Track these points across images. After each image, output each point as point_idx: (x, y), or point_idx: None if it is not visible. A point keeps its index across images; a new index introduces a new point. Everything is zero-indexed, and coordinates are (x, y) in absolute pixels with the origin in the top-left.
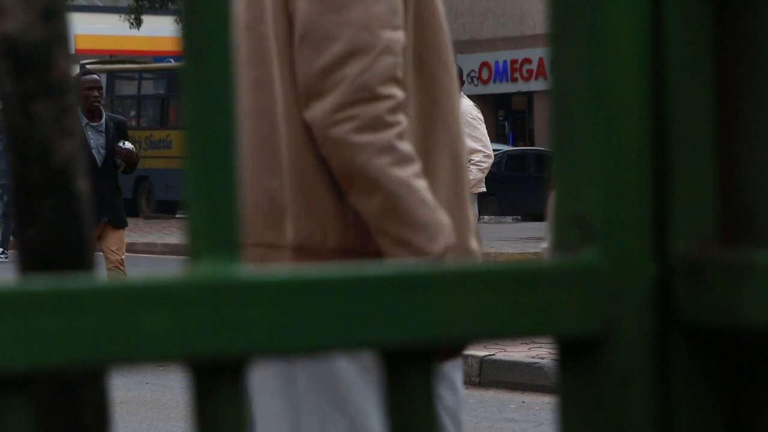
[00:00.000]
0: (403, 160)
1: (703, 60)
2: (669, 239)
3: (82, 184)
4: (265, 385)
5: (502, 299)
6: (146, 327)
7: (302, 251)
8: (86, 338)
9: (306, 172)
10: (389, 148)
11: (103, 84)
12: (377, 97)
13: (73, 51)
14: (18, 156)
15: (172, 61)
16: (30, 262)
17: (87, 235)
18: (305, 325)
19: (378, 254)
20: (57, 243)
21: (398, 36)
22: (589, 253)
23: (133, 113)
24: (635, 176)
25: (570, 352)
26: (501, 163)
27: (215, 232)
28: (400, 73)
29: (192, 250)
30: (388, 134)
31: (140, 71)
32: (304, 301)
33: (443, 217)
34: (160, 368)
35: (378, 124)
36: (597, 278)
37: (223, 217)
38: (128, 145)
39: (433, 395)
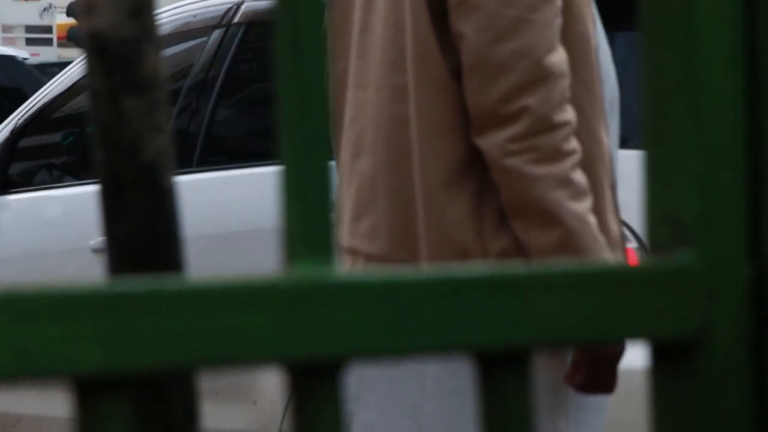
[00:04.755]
0: (579, 193)
1: None
2: (764, 239)
3: (171, 180)
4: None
5: (597, 301)
6: (243, 328)
7: None
8: (183, 339)
9: (437, 193)
10: (567, 181)
11: None
12: (555, 126)
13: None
14: (107, 152)
15: None
16: (119, 258)
17: (177, 231)
18: (400, 327)
19: None
20: (147, 239)
21: (564, 55)
22: (684, 255)
23: None
24: (730, 176)
25: (665, 354)
26: None
27: (311, 234)
28: (569, 93)
29: (288, 252)
30: (565, 165)
31: None
32: (399, 303)
33: (610, 256)
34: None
35: (556, 154)
36: (692, 279)
37: (318, 220)
38: None
39: (528, 398)
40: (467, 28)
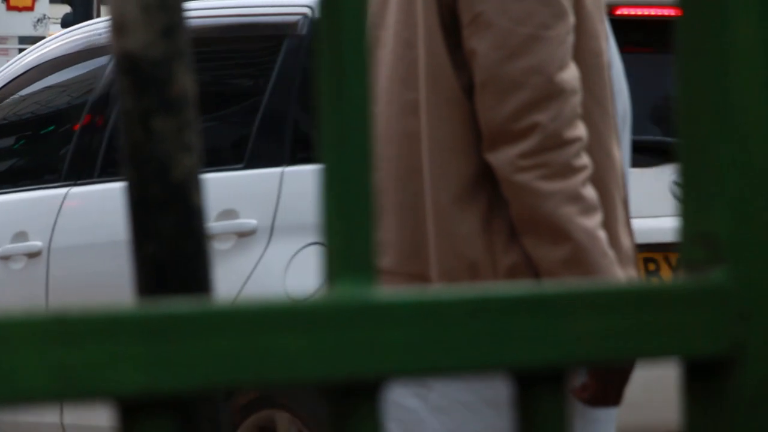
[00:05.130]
0: (589, 208)
1: None
2: None
3: (200, 200)
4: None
5: (631, 320)
6: (284, 349)
7: None
8: (226, 360)
9: (449, 209)
10: (576, 197)
11: None
12: (566, 143)
13: None
14: (137, 171)
15: None
16: (149, 277)
17: (206, 251)
18: (438, 346)
19: None
20: (176, 258)
21: (575, 72)
22: (718, 273)
23: None
24: (764, 195)
25: (698, 373)
26: None
27: (352, 255)
28: (580, 109)
29: (329, 273)
30: (576, 181)
31: None
32: (437, 322)
33: (619, 271)
34: None
35: (566, 170)
36: (726, 298)
37: (359, 241)
38: None
39: (565, 416)
40: (480, 45)
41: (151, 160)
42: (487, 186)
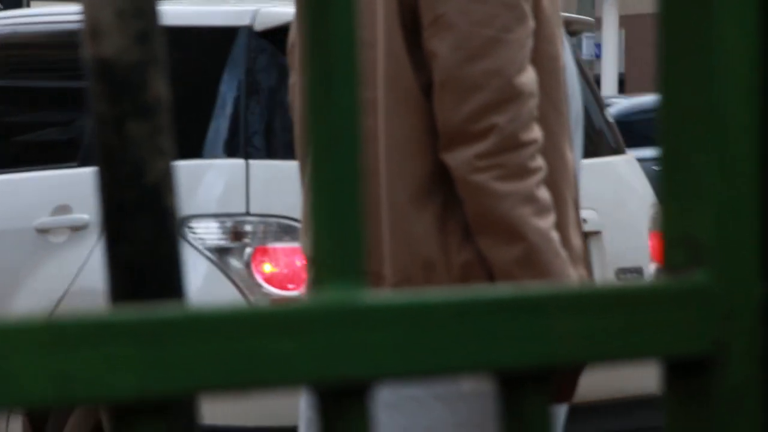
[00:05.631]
0: (543, 209)
1: None
2: None
3: (174, 203)
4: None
5: (614, 320)
6: (274, 353)
7: (401, 289)
8: (215, 364)
9: (404, 208)
10: (531, 198)
11: None
12: (522, 145)
13: None
14: (111, 175)
15: None
16: (122, 279)
17: (178, 252)
18: (426, 348)
19: None
20: (150, 260)
21: (533, 75)
22: (701, 274)
23: None
24: (747, 197)
25: (679, 374)
26: None
27: (340, 258)
28: (536, 112)
29: (317, 276)
30: (531, 182)
31: None
32: (426, 324)
33: (572, 271)
34: None
35: (521, 172)
36: (709, 299)
37: (348, 243)
38: None
39: (549, 417)
40: (441, 46)
41: (126, 164)
42: (442, 186)
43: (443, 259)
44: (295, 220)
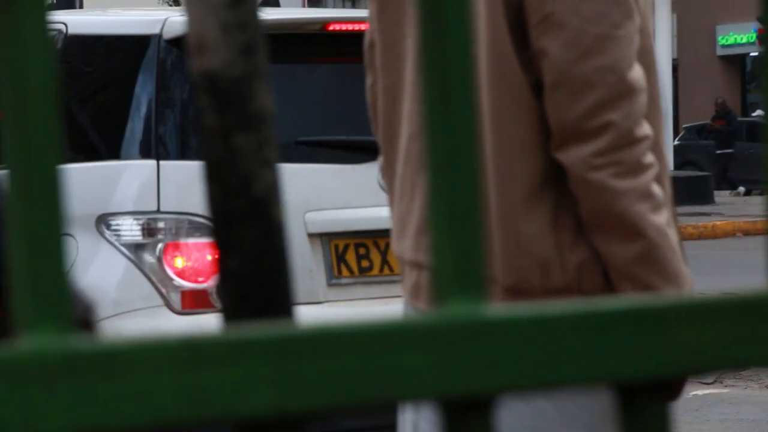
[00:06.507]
0: (658, 205)
1: None
2: None
3: (281, 214)
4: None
5: (728, 330)
6: (402, 367)
7: (515, 291)
8: (346, 380)
9: (517, 209)
10: (647, 194)
11: None
12: (636, 141)
13: None
14: (219, 187)
15: None
16: (233, 292)
17: (287, 264)
18: (549, 361)
19: (592, 295)
20: (259, 272)
21: (641, 71)
22: None
23: None
24: None
25: None
26: None
27: (463, 272)
28: (645, 108)
29: (439, 290)
30: (646, 178)
31: None
32: (548, 337)
33: (686, 268)
34: None
35: (637, 168)
36: None
37: (469, 257)
38: None
39: (668, 426)
40: (551, 44)
41: (233, 176)
42: (552, 185)
43: (558, 259)
44: (205, 217)
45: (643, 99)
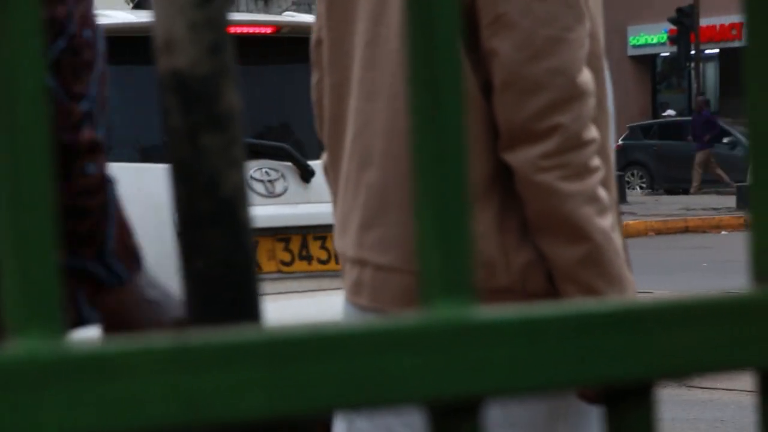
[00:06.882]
0: (604, 209)
1: None
2: None
3: (247, 215)
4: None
5: (712, 332)
6: (392, 371)
7: None
8: (339, 383)
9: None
10: (593, 197)
11: None
12: (584, 144)
13: None
14: (185, 188)
15: None
16: (198, 292)
17: (253, 265)
18: (537, 364)
19: (536, 296)
20: (226, 273)
21: (589, 74)
22: None
23: None
24: None
25: None
26: None
27: (450, 274)
28: (593, 112)
29: (426, 293)
30: (592, 182)
31: None
32: (536, 339)
33: (629, 272)
34: None
35: (584, 171)
36: None
37: (457, 260)
38: None
39: (654, 428)
40: (502, 45)
41: (200, 176)
42: (498, 186)
43: (503, 260)
44: None
45: (591, 102)
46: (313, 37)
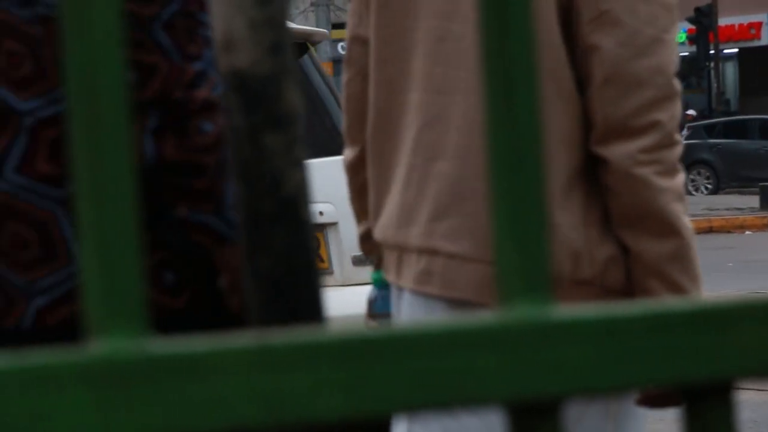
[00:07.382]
0: (686, 210)
1: None
2: None
3: (309, 214)
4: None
5: None
6: (471, 370)
7: None
8: (418, 383)
9: (553, 200)
10: (681, 196)
11: None
12: (675, 143)
13: None
14: (248, 188)
15: None
16: (262, 291)
17: (315, 264)
18: (616, 363)
19: (613, 291)
20: (288, 272)
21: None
22: None
23: None
24: None
25: None
26: None
27: (528, 273)
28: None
29: (504, 291)
30: (680, 180)
31: None
32: (615, 339)
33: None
34: None
35: (674, 169)
36: None
37: (535, 257)
38: None
39: (734, 428)
40: (605, 41)
41: (263, 176)
42: (585, 179)
43: (587, 252)
44: None
45: (680, 104)
46: (348, 34)
